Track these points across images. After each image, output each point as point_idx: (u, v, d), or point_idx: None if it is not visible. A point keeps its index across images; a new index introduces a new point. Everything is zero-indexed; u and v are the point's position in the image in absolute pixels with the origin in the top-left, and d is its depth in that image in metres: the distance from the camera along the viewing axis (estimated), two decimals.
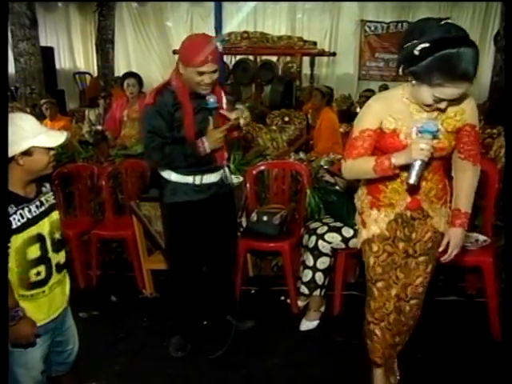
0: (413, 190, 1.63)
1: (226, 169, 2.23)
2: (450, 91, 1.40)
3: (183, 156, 2.00)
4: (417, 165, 1.44)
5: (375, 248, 1.75)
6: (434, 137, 1.46)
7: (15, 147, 1.39)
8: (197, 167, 2.06)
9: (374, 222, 1.74)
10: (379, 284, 1.76)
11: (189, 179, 2.08)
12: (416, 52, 1.39)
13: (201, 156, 2.01)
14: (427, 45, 1.37)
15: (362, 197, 1.81)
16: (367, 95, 5.84)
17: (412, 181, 1.46)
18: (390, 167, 1.50)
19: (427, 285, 1.78)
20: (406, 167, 1.51)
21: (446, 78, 1.36)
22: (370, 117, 1.61)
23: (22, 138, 1.40)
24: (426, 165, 1.47)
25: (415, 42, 1.39)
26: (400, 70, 1.49)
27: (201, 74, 1.92)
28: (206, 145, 1.99)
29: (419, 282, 1.76)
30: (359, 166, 1.63)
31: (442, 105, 1.46)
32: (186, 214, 2.12)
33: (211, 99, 1.99)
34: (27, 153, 1.42)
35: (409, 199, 1.68)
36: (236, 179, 2.49)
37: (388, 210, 1.71)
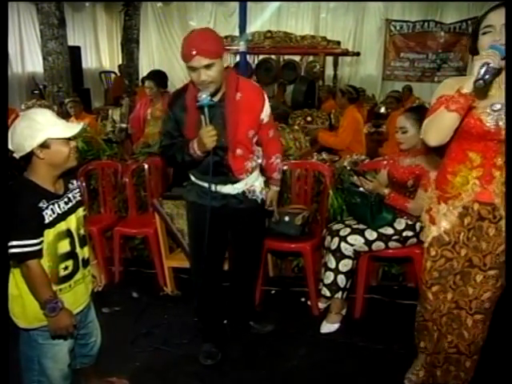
0: (485, 179, 1.59)
1: (257, 183, 2.07)
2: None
3: (180, 157, 1.90)
4: (480, 65, 1.40)
5: (433, 252, 1.72)
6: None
7: (31, 141, 1.41)
8: (208, 176, 1.89)
9: (444, 217, 1.68)
10: (434, 288, 1.74)
11: (205, 183, 1.98)
12: None
13: (194, 158, 1.86)
14: None
15: (430, 194, 1.80)
16: (395, 96, 5.68)
17: (475, 78, 1.40)
18: (460, 95, 1.46)
19: (496, 300, 1.70)
20: (477, 142, 1.56)
21: None
22: (445, 87, 1.62)
23: (36, 131, 1.42)
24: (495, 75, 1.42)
25: None
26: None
27: (192, 69, 1.76)
28: (194, 146, 1.82)
29: (487, 296, 1.67)
30: (434, 117, 1.56)
31: None
32: (198, 215, 2.02)
33: (203, 95, 1.76)
34: (45, 145, 1.43)
35: (478, 189, 1.60)
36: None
37: (455, 201, 1.65)
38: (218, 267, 2.19)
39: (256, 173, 2.07)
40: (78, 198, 1.62)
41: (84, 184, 3.13)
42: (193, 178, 2.06)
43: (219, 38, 1.83)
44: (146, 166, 3.16)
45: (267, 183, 2.17)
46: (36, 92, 7.83)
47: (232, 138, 1.90)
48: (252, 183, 2.05)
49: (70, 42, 7.08)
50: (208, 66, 1.74)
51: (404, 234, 2.33)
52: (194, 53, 1.71)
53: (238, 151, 1.94)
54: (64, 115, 4.69)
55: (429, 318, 1.80)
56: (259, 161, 2.08)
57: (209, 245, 2.00)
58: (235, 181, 1.98)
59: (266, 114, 2.00)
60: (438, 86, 1.69)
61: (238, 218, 2.07)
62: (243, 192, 2.03)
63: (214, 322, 2.27)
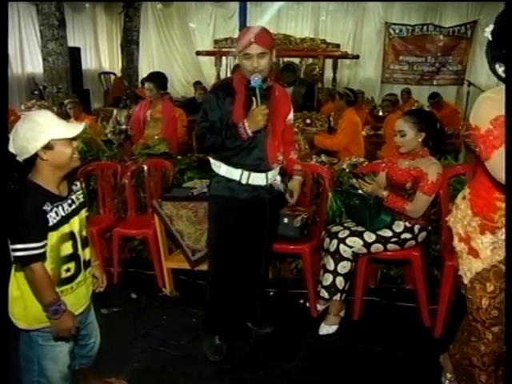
0: None
1: (278, 177, 2.17)
2: None
3: (225, 137, 1.96)
4: None
5: (491, 288, 1.50)
6: None
7: (35, 143, 1.41)
8: (245, 161, 2.02)
9: (492, 250, 1.48)
10: (496, 328, 1.53)
11: (236, 175, 2.05)
12: None
13: (242, 138, 1.95)
14: None
15: (464, 220, 1.55)
16: (391, 99, 5.71)
17: None
18: None
19: None
20: None
21: None
22: (493, 105, 1.36)
23: (40, 133, 1.42)
24: None
25: None
26: None
27: (247, 57, 1.93)
28: (246, 125, 1.93)
29: None
30: None
31: None
32: (225, 209, 2.08)
33: (255, 78, 1.92)
34: (48, 147, 1.43)
35: None
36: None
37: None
38: (241, 259, 2.18)
39: (277, 169, 2.17)
40: (82, 200, 1.62)
41: (83, 185, 3.12)
42: (221, 173, 2.09)
43: (272, 35, 2.05)
44: (146, 168, 3.17)
45: (290, 175, 2.28)
46: (36, 93, 7.82)
47: (272, 126, 2.03)
48: (276, 176, 2.17)
49: (70, 43, 7.07)
50: (261, 55, 1.93)
51: (402, 236, 2.34)
52: (252, 40, 1.91)
53: (275, 141, 2.07)
54: (63, 116, 4.68)
55: (477, 363, 1.59)
56: (281, 158, 2.18)
57: (241, 238, 2.10)
58: (267, 169, 2.08)
59: (291, 115, 2.22)
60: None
61: (267, 207, 2.09)
62: (270, 185, 2.12)
63: (224, 315, 2.26)
